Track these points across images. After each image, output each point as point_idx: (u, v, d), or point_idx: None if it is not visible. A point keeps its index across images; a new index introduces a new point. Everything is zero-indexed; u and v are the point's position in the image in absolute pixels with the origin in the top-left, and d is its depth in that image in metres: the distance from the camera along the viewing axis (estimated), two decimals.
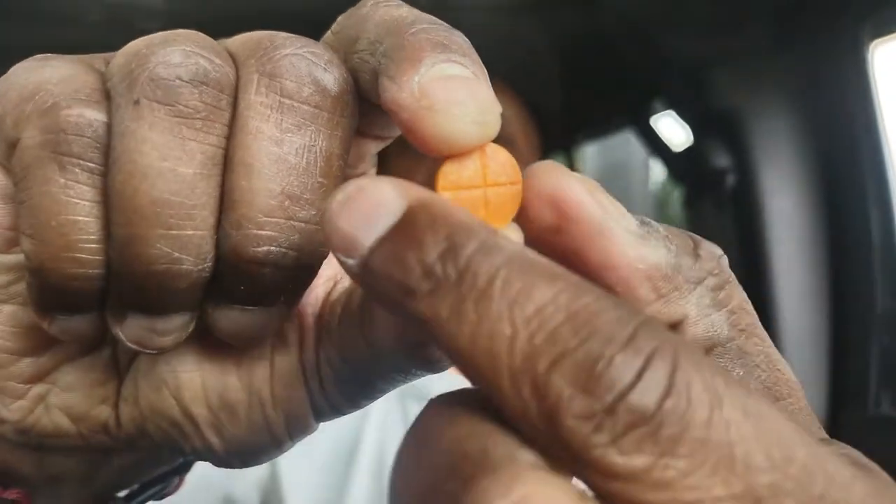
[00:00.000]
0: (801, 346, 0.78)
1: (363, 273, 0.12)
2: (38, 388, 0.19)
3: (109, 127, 0.15)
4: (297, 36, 0.16)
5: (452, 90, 0.14)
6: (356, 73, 0.16)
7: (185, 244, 0.15)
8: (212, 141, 0.15)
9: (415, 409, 0.68)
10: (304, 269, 0.16)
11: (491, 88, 0.15)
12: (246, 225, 0.15)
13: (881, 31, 0.71)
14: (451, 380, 0.69)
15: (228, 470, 0.71)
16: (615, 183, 1.96)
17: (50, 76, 0.16)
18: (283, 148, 0.15)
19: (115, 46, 0.17)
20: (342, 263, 0.13)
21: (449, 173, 0.15)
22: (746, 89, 0.78)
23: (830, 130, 0.75)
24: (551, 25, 0.82)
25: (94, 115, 0.15)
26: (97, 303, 0.16)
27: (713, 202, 0.86)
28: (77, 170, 0.15)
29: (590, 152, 1.92)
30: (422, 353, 0.17)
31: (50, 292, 0.16)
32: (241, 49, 0.16)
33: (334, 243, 0.13)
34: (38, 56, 0.17)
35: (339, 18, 0.17)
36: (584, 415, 0.10)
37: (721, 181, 0.81)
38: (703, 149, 0.82)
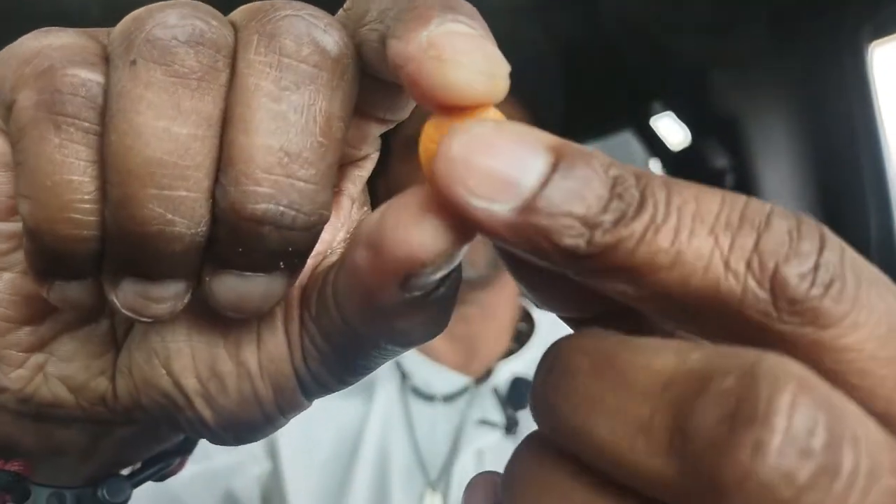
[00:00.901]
0: None
1: (524, 216, 0.12)
2: (36, 357, 0.19)
3: (107, 89, 0.15)
4: (297, 1, 0.16)
5: (461, 41, 0.14)
6: (364, 43, 0.16)
7: (179, 205, 0.15)
8: (208, 101, 0.15)
9: (416, 408, 0.68)
10: (302, 231, 0.16)
11: (499, 50, 0.14)
12: (244, 181, 0.15)
13: (880, 33, 0.71)
14: (450, 377, 0.69)
15: (230, 465, 0.71)
16: None
17: (51, 42, 0.16)
18: (281, 105, 0.15)
19: None
20: (478, 212, 0.12)
21: (437, 124, 0.14)
22: (745, 91, 0.78)
23: (829, 132, 0.75)
24: (552, 27, 0.82)
25: (89, 76, 0.15)
26: (94, 267, 0.16)
27: None
28: (72, 129, 0.15)
29: None
30: (388, 324, 0.17)
31: (47, 255, 0.16)
32: (240, 15, 0.16)
33: (474, 186, 0.12)
34: (42, 29, 0.17)
35: None
36: (801, 272, 0.12)
37: (719, 182, 0.82)
38: (702, 149, 0.83)
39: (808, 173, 0.78)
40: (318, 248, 0.19)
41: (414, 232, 0.14)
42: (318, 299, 0.18)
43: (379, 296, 0.15)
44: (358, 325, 0.17)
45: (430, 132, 0.14)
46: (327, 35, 0.16)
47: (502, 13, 0.78)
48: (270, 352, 0.19)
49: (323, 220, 0.16)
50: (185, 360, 0.19)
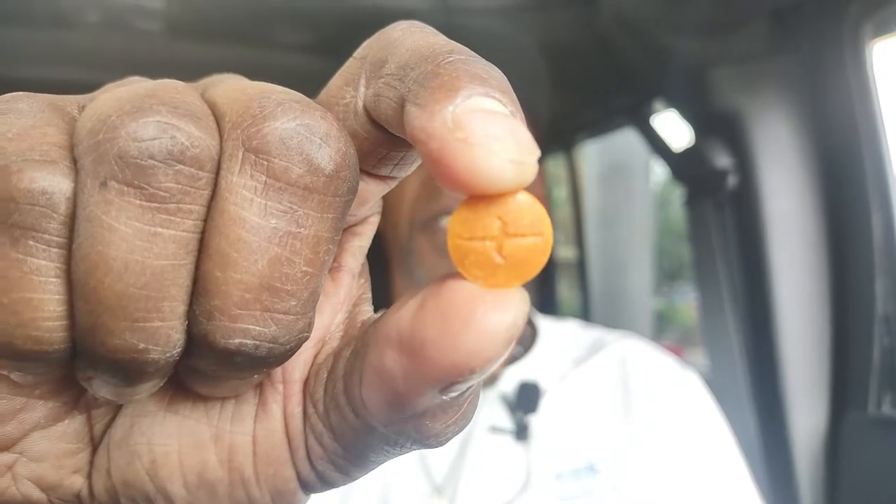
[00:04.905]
0: (802, 347, 0.78)
1: None
2: (3, 458, 0.17)
3: (68, 192, 0.14)
4: (292, 98, 0.15)
5: (491, 124, 0.13)
6: (380, 98, 0.15)
7: (153, 335, 0.14)
8: (186, 226, 0.14)
9: None
10: (279, 357, 0.15)
11: (529, 132, 0.13)
12: (217, 316, 0.14)
13: (881, 31, 0.70)
14: None
15: None
16: (616, 183, 1.96)
17: (8, 128, 0.14)
18: (264, 236, 0.14)
19: (114, 48, 0.16)
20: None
21: (464, 219, 0.14)
22: (747, 89, 0.78)
23: (831, 130, 0.75)
24: (552, 25, 0.82)
25: (50, 181, 0.13)
26: (63, 364, 0.15)
27: (714, 202, 0.86)
28: (31, 242, 0.13)
29: (590, 152, 1.91)
30: (415, 425, 0.15)
31: (7, 361, 0.15)
32: (227, 109, 0.15)
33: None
34: (8, 96, 0.15)
35: (366, 42, 0.16)
36: None
37: (722, 181, 0.81)
38: (704, 149, 0.82)
39: (810, 171, 0.78)
40: (317, 333, 0.18)
41: (463, 338, 0.13)
42: (325, 395, 0.17)
43: (413, 401, 0.14)
44: (379, 427, 0.16)
45: (457, 228, 0.14)
46: (323, 149, 0.14)
47: (503, 12, 0.78)
48: (268, 455, 0.17)
49: (301, 343, 0.15)
50: (172, 467, 0.17)
